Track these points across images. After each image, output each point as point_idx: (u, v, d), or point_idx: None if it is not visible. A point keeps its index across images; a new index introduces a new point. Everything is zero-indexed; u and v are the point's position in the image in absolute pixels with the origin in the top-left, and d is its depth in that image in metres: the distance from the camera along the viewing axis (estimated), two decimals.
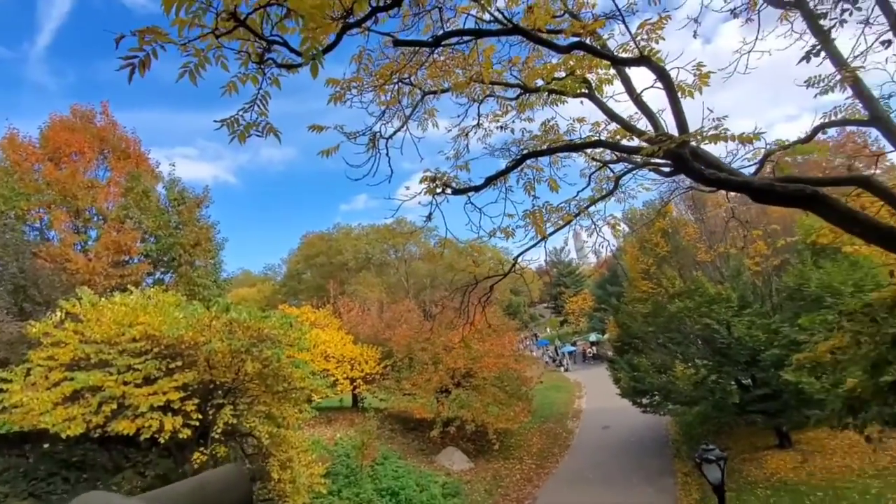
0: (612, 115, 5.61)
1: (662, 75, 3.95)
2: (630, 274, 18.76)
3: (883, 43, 4.58)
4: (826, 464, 13.94)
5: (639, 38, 4.20)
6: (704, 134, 3.70)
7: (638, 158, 6.59)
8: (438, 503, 14.66)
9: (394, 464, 16.56)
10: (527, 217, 5.69)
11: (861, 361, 6.74)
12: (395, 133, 5.35)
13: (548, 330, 72.18)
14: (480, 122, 7.27)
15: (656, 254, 16.54)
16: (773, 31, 6.97)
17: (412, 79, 5.31)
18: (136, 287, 13.62)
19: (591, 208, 7.42)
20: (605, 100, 6.20)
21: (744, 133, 3.62)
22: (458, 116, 7.26)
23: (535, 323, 75.92)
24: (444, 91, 5.36)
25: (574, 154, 7.49)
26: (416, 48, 4.79)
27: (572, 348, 50.06)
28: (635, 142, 5.33)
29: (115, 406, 9.74)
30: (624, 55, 4.58)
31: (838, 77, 5.73)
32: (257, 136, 3.26)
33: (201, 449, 11.41)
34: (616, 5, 3.99)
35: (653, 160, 6.34)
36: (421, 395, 19.53)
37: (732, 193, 9.10)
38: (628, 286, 18.40)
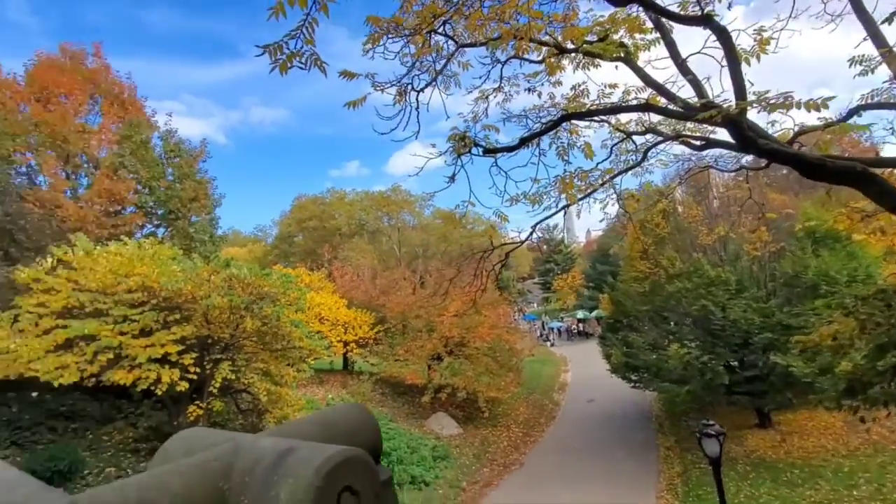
0: (648, 81, 5.38)
1: (722, 36, 3.73)
2: (628, 253, 18.81)
3: None
4: (803, 444, 14.44)
5: None
6: (770, 101, 3.53)
7: (668, 130, 6.41)
8: (428, 464, 14.96)
9: (385, 426, 16.80)
10: (558, 183, 5.52)
11: (866, 345, 6.83)
12: (425, 87, 5.08)
13: (535, 305, 73.17)
14: (502, 85, 7.00)
15: (656, 234, 16.54)
16: (807, 9, 6.70)
17: (447, 28, 5.01)
18: (129, 238, 13.28)
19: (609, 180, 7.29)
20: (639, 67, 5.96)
21: (811, 100, 3.45)
22: (480, 78, 6.99)
23: (523, 298, 76.77)
24: (481, 44, 5.07)
25: (596, 123, 7.29)
26: None
27: (559, 324, 50.81)
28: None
29: (111, 356, 9.57)
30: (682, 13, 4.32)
31: (880, 59, 5.57)
32: (300, 67, 3.00)
33: (197, 402, 11.39)
34: None
35: (683, 133, 6.17)
36: (413, 362, 19.70)
37: (739, 177, 8.98)
38: (625, 265, 18.50)
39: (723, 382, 14.27)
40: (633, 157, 7.20)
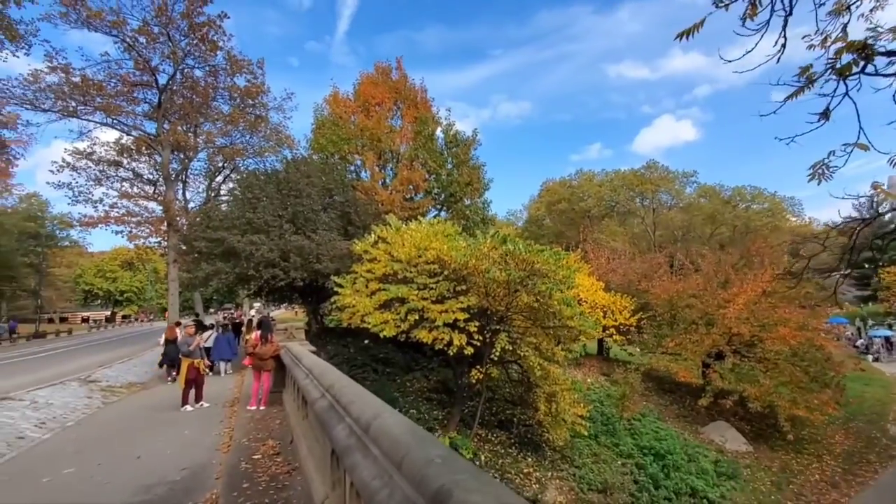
0: None
1: None
2: None
3: None
4: None
5: None
6: None
7: None
8: (711, 480, 12.90)
9: (653, 424, 15.34)
10: None
11: None
12: None
13: (846, 306, 56.08)
14: None
15: None
16: None
17: None
18: (423, 218, 15.53)
19: None
20: None
21: None
22: None
23: (822, 294, 59.78)
24: None
25: None
26: None
27: (889, 333, 37.50)
28: None
29: (416, 317, 11.28)
30: None
31: None
32: None
33: (478, 367, 12.53)
34: None
35: None
36: (686, 357, 17.33)
37: None
38: None
39: None
40: None
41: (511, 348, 11.85)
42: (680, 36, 4.30)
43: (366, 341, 15.49)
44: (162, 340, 14.39)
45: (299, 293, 17.75)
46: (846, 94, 3.96)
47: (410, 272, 12.00)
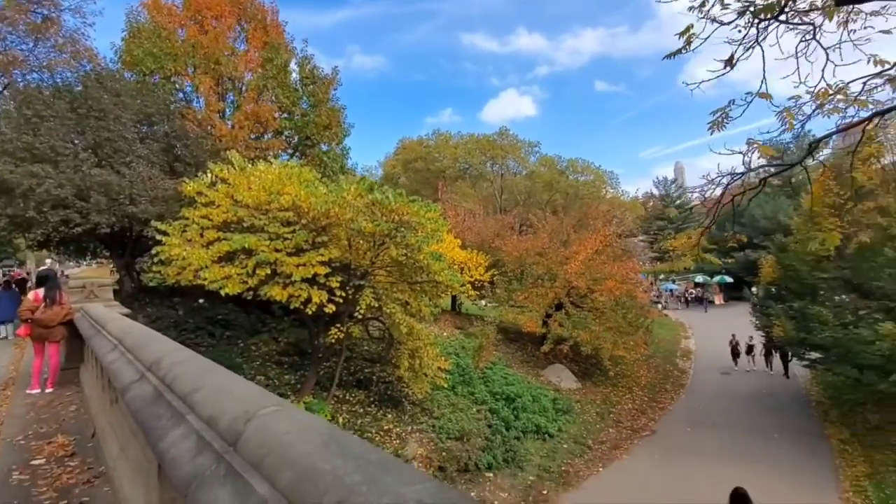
0: None
1: None
2: (809, 207, 15.52)
3: None
4: None
5: None
6: None
7: None
8: (551, 416, 14.31)
9: (502, 371, 16.36)
10: None
11: None
12: None
13: (644, 265, 68.40)
14: None
15: (858, 186, 13.21)
16: None
17: None
18: (275, 160, 13.47)
19: None
20: None
21: None
22: None
23: (626, 256, 71.87)
24: None
25: None
26: None
27: (673, 286, 46.86)
28: None
29: (267, 272, 9.72)
30: None
31: None
32: None
33: (336, 325, 11.52)
34: None
35: None
36: (531, 309, 18.80)
37: None
38: (802, 222, 15.36)
39: None
40: None
41: (377, 305, 11.11)
42: None
43: (200, 301, 13.18)
44: None
45: (105, 244, 14.20)
46: (757, 40, 3.92)
47: (260, 220, 10.23)
